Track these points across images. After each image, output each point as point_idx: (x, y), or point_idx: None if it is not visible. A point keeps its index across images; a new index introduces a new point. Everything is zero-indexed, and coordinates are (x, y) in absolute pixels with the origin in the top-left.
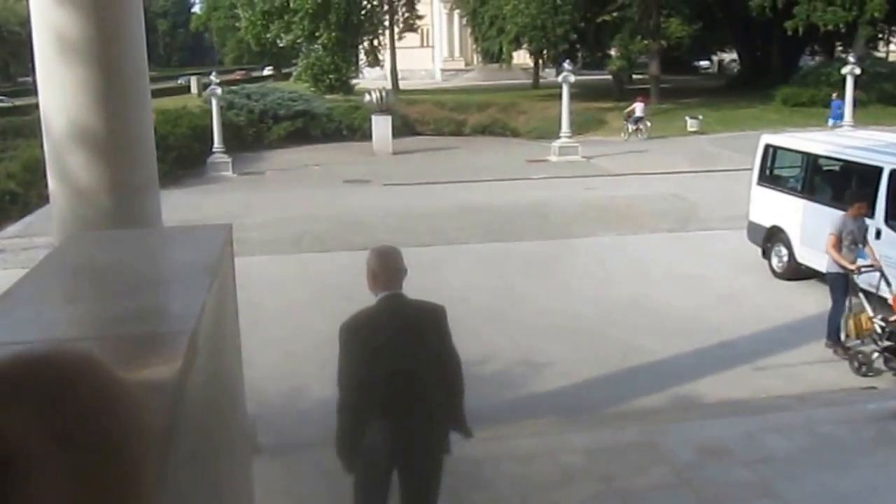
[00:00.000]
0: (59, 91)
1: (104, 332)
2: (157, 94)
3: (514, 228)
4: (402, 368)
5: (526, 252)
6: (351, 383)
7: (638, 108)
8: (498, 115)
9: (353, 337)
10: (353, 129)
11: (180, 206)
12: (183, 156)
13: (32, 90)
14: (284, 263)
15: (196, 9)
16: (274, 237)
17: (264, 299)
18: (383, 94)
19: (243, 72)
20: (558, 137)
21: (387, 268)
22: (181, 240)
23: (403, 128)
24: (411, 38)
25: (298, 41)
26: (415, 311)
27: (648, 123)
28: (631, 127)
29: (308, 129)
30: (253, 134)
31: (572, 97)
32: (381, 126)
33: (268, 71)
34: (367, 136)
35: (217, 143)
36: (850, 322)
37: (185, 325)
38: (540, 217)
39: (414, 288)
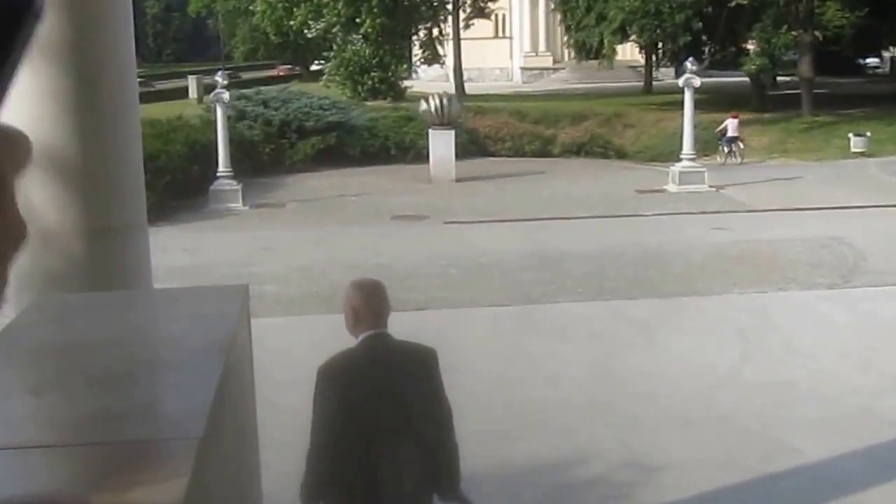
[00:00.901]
0: (19, 103)
1: (83, 439)
2: (144, 98)
3: (620, 283)
4: (386, 424)
5: (635, 315)
6: (323, 438)
7: (731, 125)
8: (597, 129)
9: (331, 384)
10: (404, 148)
11: (172, 248)
12: (177, 182)
13: None
14: (312, 328)
15: None
16: (298, 293)
17: (284, 379)
18: (444, 100)
19: (287, 67)
20: (678, 160)
21: (371, 303)
22: (183, 307)
23: (471, 146)
24: (482, 27)
25: (332, 30)
26: (402, 355)
27: (741, 145)
28: (725, 149)
29: (344, 146)
30: (270, 153)
31: (697, 106)
32: (442, 144)
33: (288, 69)
34: (422, 157)
35: (223, 164)
36: None
37: (192, 430)
38: (654, 268)
39: (484, 369)
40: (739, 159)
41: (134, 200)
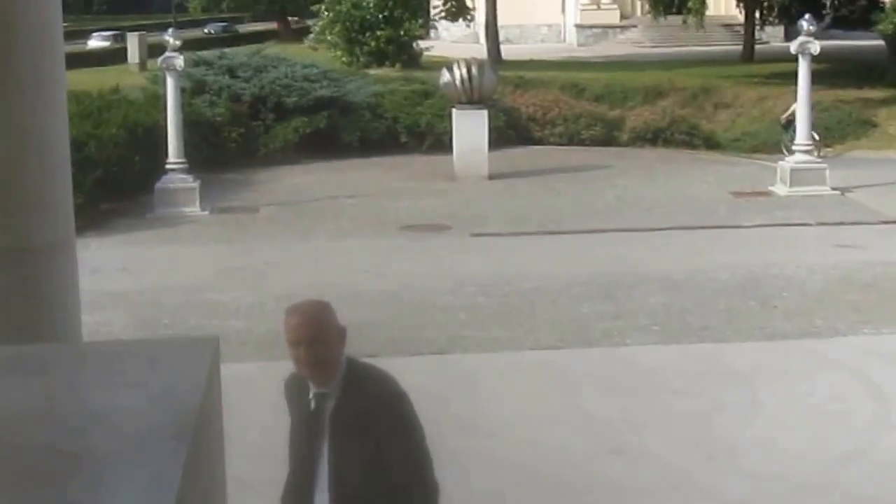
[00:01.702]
0: None
1: None
2: (68, 63)
3: (710, 319)
4: (347, 450)
5: (732, 363)
6: (289, 450)
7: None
8: (680, 109)
9: (286, 393)
10: (418, 134)
11: (105, 268)
12: (112, 177)
13: None
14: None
15: None
16: (275, 331)
17: (256, 446)
18: (473, 69)
19: (294, 18)
20: (790, 153)
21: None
22: (133, 369)
23: (509, 131)
24: None
25: None
26: (370, 380)
27: (816, 136)
28: (788, 137)
29: (337, 131)
30: (239, 139)
31: (815, 78)
32: (470, 128)
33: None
34: (442, 145)
35: (174, 154)
36: None
37: None
38: (757, 298)
39: (527, 436)
40: (818, 152)
41: (58, 210)
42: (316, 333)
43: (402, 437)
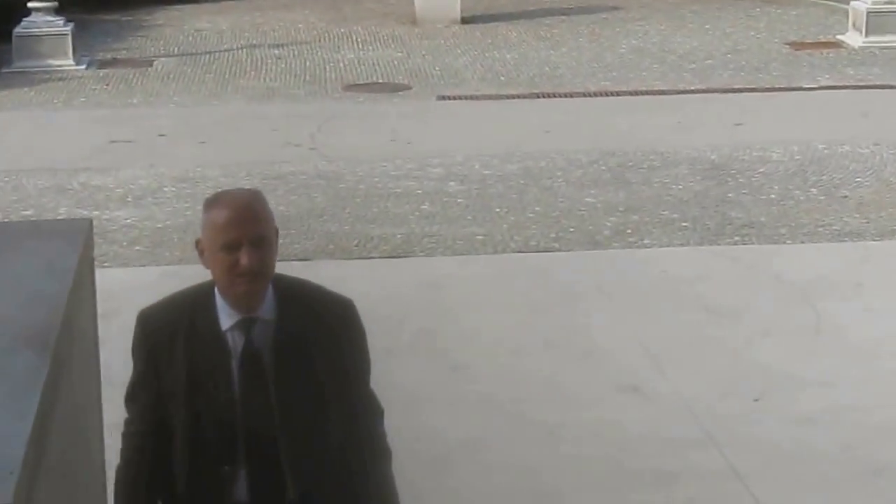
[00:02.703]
0: None
1: None
2: None
3: (759, 211)
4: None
5: (787, 270)
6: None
7: None
8: None
9: (157, 337)
10: None
11: None
12: None
13: None
14: (199, 279)
15: None
16: (172, 224)
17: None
18: None
19: None
20: None
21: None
22: None
23: None
24: None
25: None
26: (308, 299)
27: None
28: None
29: None
30: None
31: None
32: None
33: None
34: None
35: None
36: None
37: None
38: (821, 186)
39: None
40: None
41: None
42: (261, 230)
43: (350, 377)
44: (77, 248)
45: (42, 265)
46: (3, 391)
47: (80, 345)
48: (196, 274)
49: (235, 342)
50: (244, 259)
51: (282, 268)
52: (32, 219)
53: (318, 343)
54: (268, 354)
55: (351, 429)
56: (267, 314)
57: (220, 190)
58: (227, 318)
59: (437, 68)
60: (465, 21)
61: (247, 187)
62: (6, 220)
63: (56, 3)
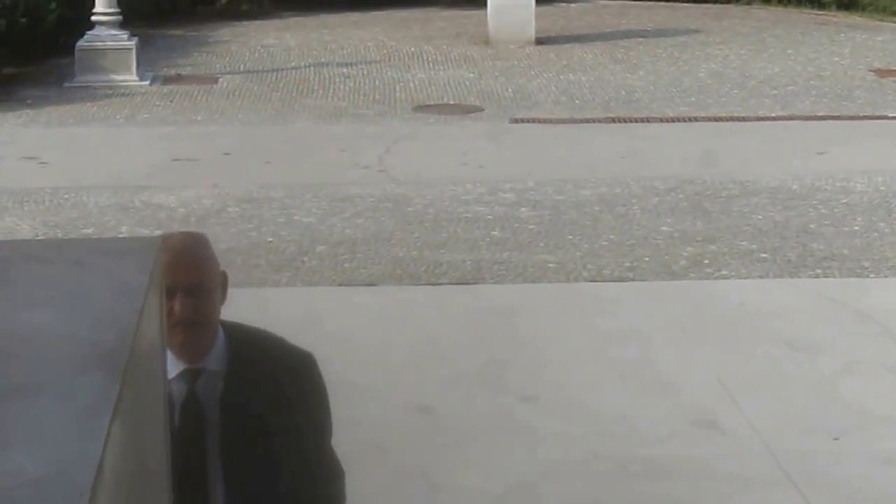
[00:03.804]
0: None
1: None
2: None
3: (842, 244)
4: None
5: (870, 304)
6: None
7: None
8: None
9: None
10: None
11: (7, 157)
12: (18, 31)
13: None
14: (267, 305)
15: None
16: (235, 244)
17: None
18: None
19: None
20: None
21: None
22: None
23: None
24: None
25: None
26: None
27: None
28: None
29: None
30: None
31: None
32: None
33: None
34: None
35: (103, 2)
36: None
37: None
38: None
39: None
40: None
41: None
42: (199, 277)
43: (304, 436)
44: (147, 267)
45: (111, 284)
46: (73, 412)
47: (149, 367)
48: (259, 299)
49: (178, 393)
50: (177, 307)
51: (349, 293)
52: (94, 236)
53: (268, 398)
54: (212, 408)
55: (304, 493)
56: (214, 365)
57: (167, 232)
58: (172, 367)
59: (510, 90)
60: (539, 42)
61: (192, 231)
62: (71, 238)
63: (120, 17)
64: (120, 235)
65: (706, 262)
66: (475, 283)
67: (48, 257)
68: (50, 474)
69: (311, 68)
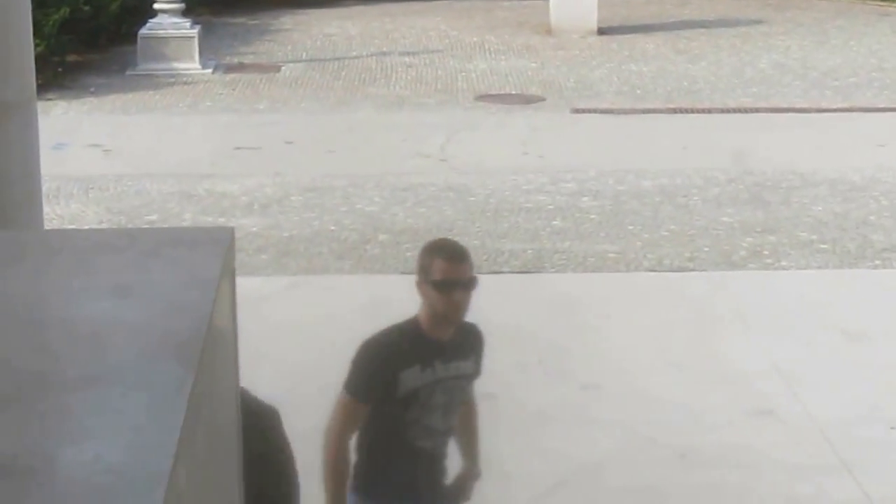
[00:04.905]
0: None
1: None
2: None
3: None
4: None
5: None
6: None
7: None
8: None
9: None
10: None
11: (73, 141)
12: (81, 20)
13: None
14: (324, 294)
15: None
16: (303, 232)
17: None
18: None
19: None
20: None
21: None
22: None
23: None
24: None
25: None
26: None
27: None
28: None
29: None
30: None
31: None
32: None
33: None
34: None
35: None
36: None
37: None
38: None
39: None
40: None
41: (11, 60)
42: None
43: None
44: (219, 257)
45: (184, 274)
46: (148, 401)
47: (222, 355)
48: (322, 287)
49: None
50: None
51: (411, 282)
52: (157, 224)
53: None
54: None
55: None
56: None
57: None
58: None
59: (571, 80)
60: (601, 32)
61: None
62: (145, 228)
63: (183, 5)
64: (184, 223)
65: (766, 252)
66: (536, 273)
67: (121, 247)
68: (127, 463)
69: (373, 57)
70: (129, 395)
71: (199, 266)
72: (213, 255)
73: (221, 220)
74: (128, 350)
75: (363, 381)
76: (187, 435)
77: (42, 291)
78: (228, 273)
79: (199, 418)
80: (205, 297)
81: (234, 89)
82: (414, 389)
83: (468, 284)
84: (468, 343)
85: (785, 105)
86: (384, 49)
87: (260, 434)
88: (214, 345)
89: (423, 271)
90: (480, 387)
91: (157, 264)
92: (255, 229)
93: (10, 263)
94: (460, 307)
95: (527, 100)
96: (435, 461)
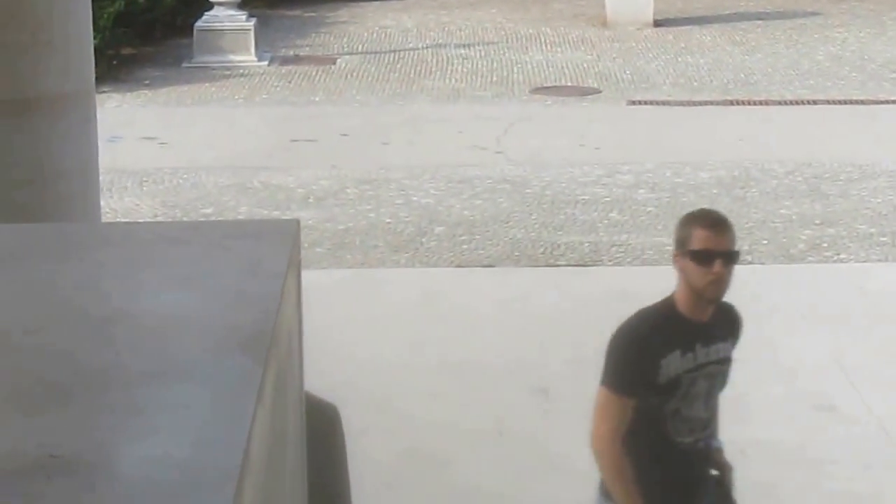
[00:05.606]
0: None
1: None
2: None
3: None
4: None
5: None
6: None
7: None
8: None
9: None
10: None
11: (127, 137)
12: (135, 13)
13: None
14: (385, 288)
15: None
16: (359, 225)
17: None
18: None
19: None
20: None
21: None
22: (187, 259)
23: None
24: None
25: None
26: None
27: None
28: None
29: None
30: None
31: None
32: None
33: None
34: None
35: None
36: None
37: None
38: None
39: None
40: None
41: (71, 49)
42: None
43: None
44: (285, 250)
45: (249, 267)
46: (217, 396)
47: (289, 349)
48: (378, 280)
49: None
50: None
51: (467, 275)
52: (212, 218)
53: None
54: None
55: None
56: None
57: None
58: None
59: (627, 72)
60: (657, 24)
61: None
62: (208, 220)
63: None
64: (239, 216)
65: (825, 245)
66: (593, 266)
67: (186, 239)
68: (197, 459)
69: (429, 49)
70: (196, 391)
71: (264, 258)
72: (279, 247)
73: (276, 213)
74: (194, 344)
75: (623, 373)
76: (257, 431)
77: (106, 285)
78: (294, 265)
79: (268, 413)
80: (272, 290)
81: (289, 82)
82: (675, 377)
83: (730, 257)
84: (728, 323)
85: (842, 97)
86: (440, 41)
87: (319, 431)
88: (281, 339)
89: (681, 243)
90: (535, 381)
91: (221, 257)
92: (310, 222)
93: (72, 256)
94: (721, 281)
95: (583, 92)
96: (698, 459)
